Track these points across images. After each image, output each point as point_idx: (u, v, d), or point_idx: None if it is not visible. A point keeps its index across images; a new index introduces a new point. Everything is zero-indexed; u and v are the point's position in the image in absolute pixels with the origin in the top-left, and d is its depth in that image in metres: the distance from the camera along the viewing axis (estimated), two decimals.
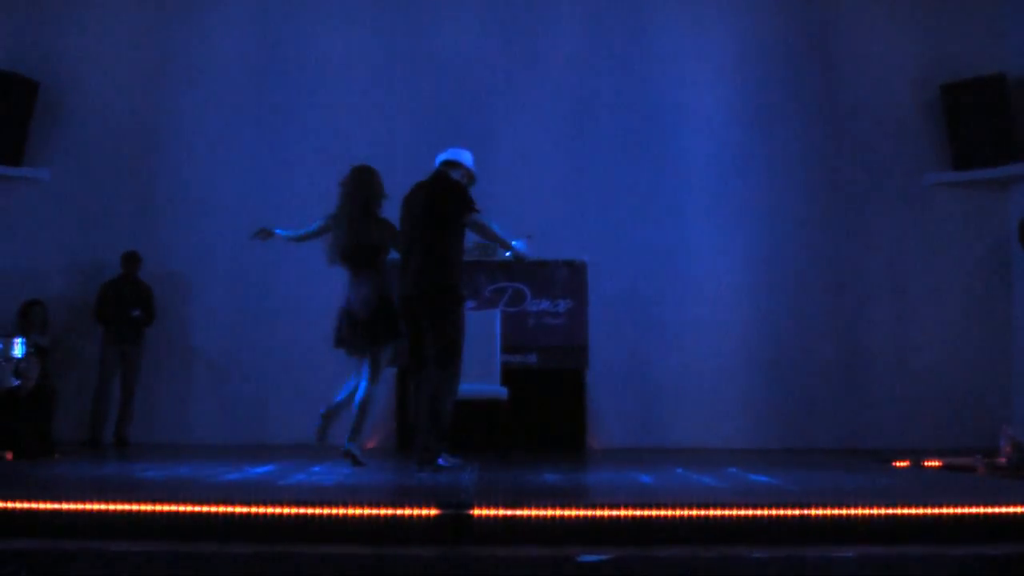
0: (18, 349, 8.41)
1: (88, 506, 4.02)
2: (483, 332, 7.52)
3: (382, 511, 3.97)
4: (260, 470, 6.02)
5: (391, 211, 6.47)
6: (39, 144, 9.61)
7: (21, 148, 9.47)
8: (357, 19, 9.96)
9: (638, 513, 3.98)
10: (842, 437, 9.35)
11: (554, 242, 9.25)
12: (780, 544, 3.89)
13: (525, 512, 3.97)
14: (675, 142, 9.85)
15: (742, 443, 9.15)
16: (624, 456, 7.93)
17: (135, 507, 4.02)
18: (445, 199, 6.11)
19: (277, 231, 6.64)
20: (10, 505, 4.04)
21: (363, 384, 6.26)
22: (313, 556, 3.72)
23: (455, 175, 6.25)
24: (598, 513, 3.98)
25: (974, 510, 4.11)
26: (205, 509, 3.99)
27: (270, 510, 3.97)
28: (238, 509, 3.98)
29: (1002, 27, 9.85)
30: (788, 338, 9.62)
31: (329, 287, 8.76)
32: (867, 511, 4.05)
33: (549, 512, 3.97)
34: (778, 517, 4.03)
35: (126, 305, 9.01)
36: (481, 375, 7.33)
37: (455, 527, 3.93)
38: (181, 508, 4.00)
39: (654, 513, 3.99)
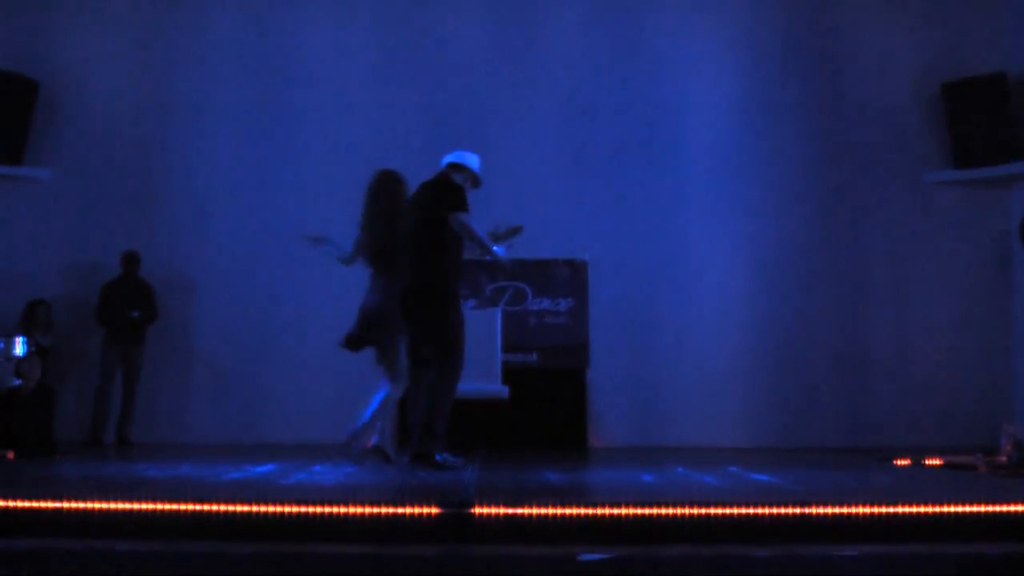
0: (19, 348, 8.42)
1: (90, 505, 4.02)
2: (484, 331, 7.53)
3: (383, 510, 3.97)
4: (261, 469, 6.02)
5: None
6: (39, 144, 9.61)
7: (21, 148, 9.47)
8: (358, 19, 9.96)
9: (639, 512, 3.98)
10: (843, 435, 9.35)
11: (555, 241, 9.27)
12: (781, 543, 3.89)
13: (526, 511, 3.96)
14: (675, 141, 9.85)
15: (743, 442, 9.15)
16: (625, 455, 7.93)
17: (136, 506, 4.02)
18: (437, 198, 6.13)
19: (328, 246, 6.59)
20: (12, 504, 4.04)
21: (384, 386, 6.29)
22: (314, 555, 3.72)
23: (458, 178, 6.25)
24: (599, 512, 3.98)
25: (975, 509, 4.11)
26: (206, 508, 3.99)
27: (271, 509, 3.97)
28: (239, 508, 3.99)
29: (1003, 26, 9.85)
30: (788, 336, 9.62)
31: (330, 288, 8.79)
32: (868, 510, 4.05)
33: (550, 511, 3.97)
34: (779, 516, 4.03)
35: (127, 305, 9.01)
36: (482, 374, 7.33)
37: (456, 526, 3.94)
38: (182, 507, 4.00)
39: (655, 512, 3.99)
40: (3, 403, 7.48)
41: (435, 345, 6.05)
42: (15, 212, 9.58)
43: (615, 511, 3.98)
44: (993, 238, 9.80)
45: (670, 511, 3.99)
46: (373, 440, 6.36)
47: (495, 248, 6.20)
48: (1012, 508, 4.13)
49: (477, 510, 3.97)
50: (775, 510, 4.04)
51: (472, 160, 6.32)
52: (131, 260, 9.18)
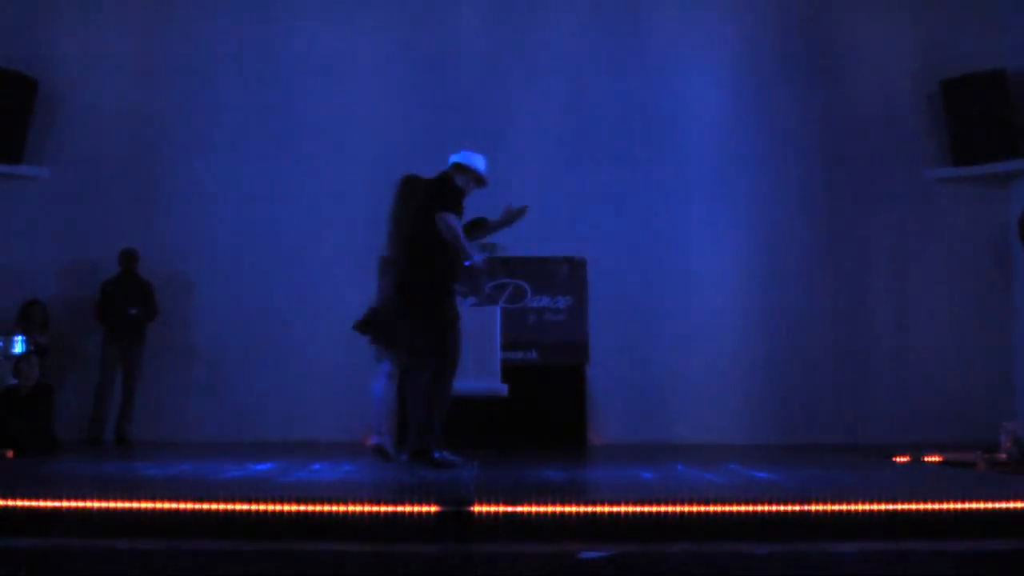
0: (18, 347, 8.42)
1: (89, 504, 4.02)
2: (483, 329, 7.51)
3: (383, 508, 3.97)
4: (261, 467, 6.02)
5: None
6: (38, 142, 9.60)
7: (20, 146, 9.46)
8: (358, 18, 9.94)
9: (639, 510, 3.98)
10: (842, 433, 9.35)
11: (554, 239, 9.27)
12: (781, 540, 3.89)
13: (526, 509, 3.97)
14: (675, 138, 9.84)
15: (742, 439, 9.15)
16: (625, 452, 7.93)
17: (136, 505, 4.02)
18: (429, 197, 6.14)
19: None
20: (11, 503, 4.04)
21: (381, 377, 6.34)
22: (314, 553, 3.72)
23: (460, 178, 6.24)
24: (599, 510, 3.98)
25: (974, 505, 4.11)
26: (206, 507, 4.00)
27: (271, 508, 3.97)
28: (239, 507, 3.99)
29: (1002, 22, 9.84)
30: (788, 334, 9.62)
31: (329, 286, 8.79)
32: (868, 507, 4.05)
33: (550, 509, 3.97)
34: (779, 513, 4.03)
35: (126, 303, 9.01)
36: (482, 372, 7.32)
37: (456, 524, 3.94)
38: (182, 506, 4.00)
39: (655, 510, 3.99)
40: (2, 402, 7.48)
41: (424, 342, 6.06)
42: (14, 210, 9.57)
43: (615, 509, 3.98)
44: (993, 234, 9.79)
45: (670, 509, 3.99)
46: (373, 440, 6.37)
47: (476, 257, 6.15)
48: (1012, 505, 4.13)
49: (477, 508, 3.97)
50: (775, 507, 4.04)
51: (476, 161, 6.31)
52: (129, 258, 9.17)
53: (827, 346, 9.66)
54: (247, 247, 9.59)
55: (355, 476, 5.77)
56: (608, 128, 9.82)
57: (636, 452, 7.86)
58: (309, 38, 9.87)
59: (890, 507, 4.07)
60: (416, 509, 3.95)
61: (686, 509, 4.00)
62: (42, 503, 4.04)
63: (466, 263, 6.06)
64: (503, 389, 7.46)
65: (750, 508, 4.03)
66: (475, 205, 6.39)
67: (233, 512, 3.98)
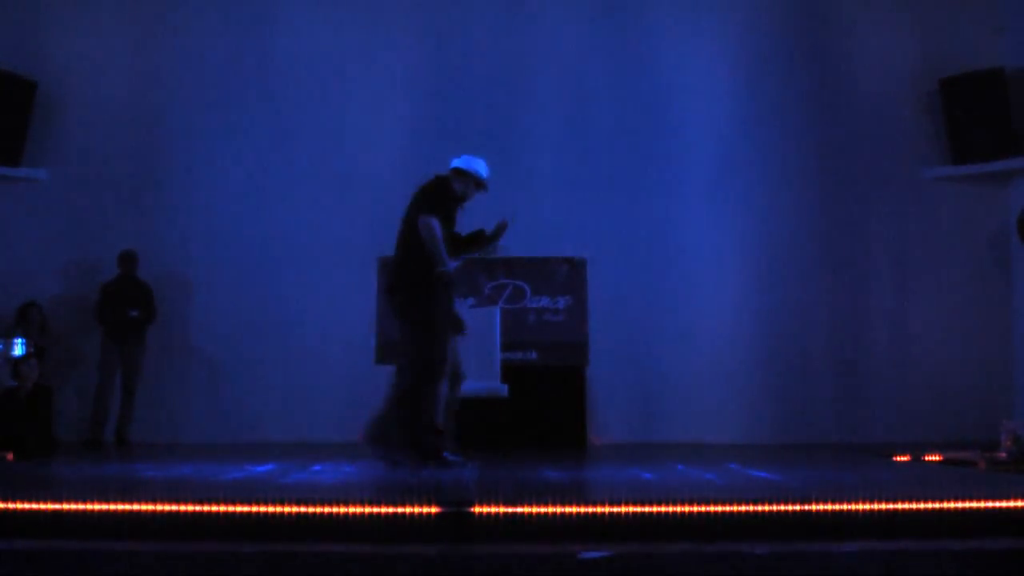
0: (18, 349, 8.42)
1: (89, 506, 4.02)
2: (483, 329, 7.52)
3: (383, 509, 3.97)
4: (261, 469, 6.02)
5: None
6: (37, 144, 9.61)
7: (19, 148, 9.47)
8: (356, 19, 9.94)
9: (639, 510, 3.98)
10: (842, 432, 9.36)
11: (554, 239, 9.27)
12: (781, 540, 3.89)
13: (526, 509, 3.96)
14: (675, 139, 9.85)
15: (742, 439, 9.16)
16: (624, 452, 7.94)
17: (136, 507, 4.01)
18: (416, 199, 6.18)
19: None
20: (11, 505, 4.04)
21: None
22: (314, 555, 3.72)
23: (458, 183, 6.24)
24: (599, 510, 3.98)
25: (975, 504, 4.11)
26: (206, 508, 3.99)
27: (271, 509, 3.96)
28: (239, 508, 3.98)
29: (1000, 21, 9.85)
30: (788, 333, 9.62)
31: (328, 287, 8.78)
32: (868, 506, 4.05)
33: (550, 509, 3.96)
34: (779, 512, 4.03)
35: (126, 305, 9.01)
36: (481, 372, 7.32)
37: (456, 525, 3.93)
38: (182, 508, 4.00)
39: (655, 509, 3.99)
40: (2, 404, 7.48)
41: (409, 342, 6.09)
42: (13, 213, 9.58)
43: (615, 509, 3.97)
44: (992, 233, 9.80)
45: (670, 509, 3.99)
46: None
47: (451, 265, 6.14)
48: (1012, 504, 4.13)
49: (477, 509, 3.97)
50: (775, 507, 4.04)
51: (477, 165, 6.30)
52: (128, 259, 9.18)
53: (827, 345, 9.66)
54: (247, 249, 9.59)
55: (355, 477, 5.77)
56: (608, 127, 9.83)
57: (636, 452, 7.86)
58: (309, 39, 9.88)
59: (890, 506, 4.07)
60: (416, 510, 3.95)
61: (686, 509, 3.99)
62: (42, 505, 4.04)
63: (438, 269, 6.00)
64: (503, 389, 7.47)
65: (750, 508, 4.02)
66: (478, 205, 6.40)
67: (233, 514, 3.98)
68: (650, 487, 5.17)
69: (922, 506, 4.09)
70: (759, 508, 4.03)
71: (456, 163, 6.31)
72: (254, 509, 3.97)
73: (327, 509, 3.96)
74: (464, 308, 6.80)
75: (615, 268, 9.45)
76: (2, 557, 3.68)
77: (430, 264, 6.02)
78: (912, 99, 9.93)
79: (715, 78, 9.95)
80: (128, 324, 9.00)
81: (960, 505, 4.10)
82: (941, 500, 4.11)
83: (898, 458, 7.28)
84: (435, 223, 5.98)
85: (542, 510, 3.96)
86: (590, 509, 3.99)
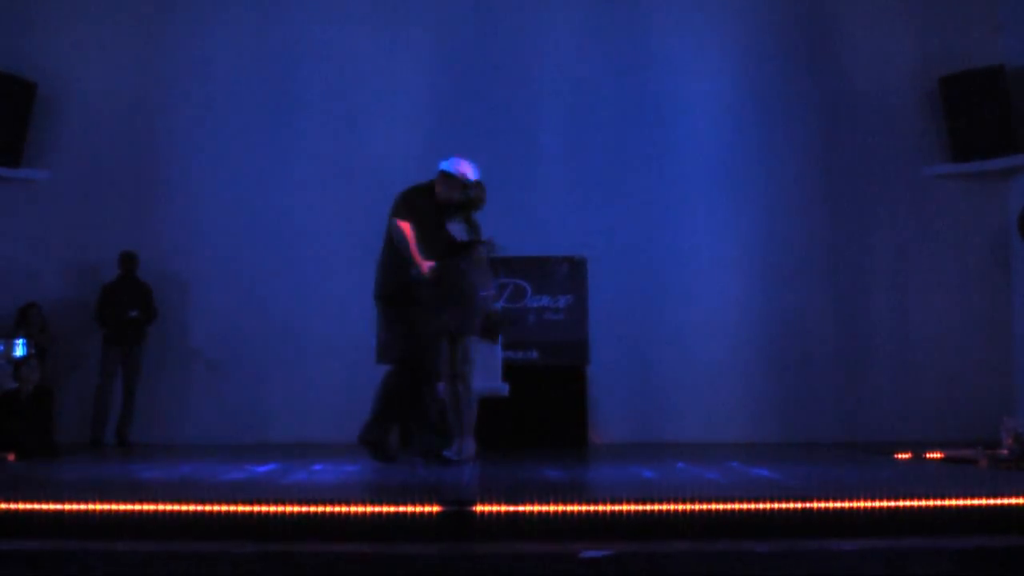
0: (19, 350, 8.43)
1: (90, 506, 4.02)
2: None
3: (384, 509, 3.97)
4: (262, 469, 6.02)
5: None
6: (37, 145, 9.60)
7: (19, 149, 9.46)
8: (358, 14, 9.93)
9: (640, 508, 3.98)
10: (843, 430, 9.36)
11: (554, 238, 9.27)
12: (782, 538, 3.89)
13: (527, 508, 3.96)
14: (675, 137, 9.84)
15: (743, 437, 9.16)
16: (625, 451, 7.94)
17: (137, 507, 4.01)
18: (394, 202, 6.30)
19: None
20: (12, 506, 4.04)
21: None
22: (316, 555, 3.72)
23: (443, 185, 6.29)
24: (600, 509, 3.98)
25: (976, 502, 4.11)
26: (207, 508, 3.99)
27: (272, 509, 3.96)
28: (240, 508, 3.98)
29: (1000, 19, 9.84)
30: (788, 331, 9.62)
31: (329, 287, 8.78)
32: (869, 504, 4.05)
33: (551, 508, 3.96)
34: (780, 510, 4.03)
35: (126, 306, 9.01)
36: (482, 371, 7.31)
37: (457, 524, 3.94)
38: (183, 508, 4.00)
39: (656, 508, 3.99)
40: (2, 405, 7.48)
41: (391, 343, 6.24)
42: (13, 214, 9.57)
43: (616, 508, 3.97)
44: (992, 231, 9.79)
45: (671, 507, 3.99)
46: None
47: (425, 267, 6.18)
48: (1013, 501, 4.13)
49: (478, 508, 3.97)
50: (776, 505, 4.04)
51: (463, 167, 6.32)
52: (129, 260, 9.18)
53: (827, 343, 9.65)
54: (247, 249, 9.59)
55: (356, 477, 5.77)
56: (609, 126, 9.82)
57: (637, 451, 7.86)
58: (308, 36, 9.87)
59: (891, 504, 4.07)
60: (417, 509, 3.95)
61: (687, 507, 3.99)
62: (43, 506, 4.04)
63: (413, 272, 6.14)
64: (504, 389, 7.47)
65: (751, 506, 4.02)
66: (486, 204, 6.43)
67: (234, 514, 3.98)
68: (651, 486, 5.17)
69: (923, 504, 4.09)
70: (760, 506, 4.03)
71: (442, 165, 6.35)
72: (255, 509, 3.97)
73: (328, 509, 3.96)
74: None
75: (616, 267, 9.45)
76: (3, 557, 3.68)
77: (407, 267, 6.10)
78: (912, 97, 9.92)
79: (716, 77, 9.94)
80: (128, 324, 9.00)
81: (961, 503, 4.10)
82: (942, 498, 4.11)
83: (899, 456, 7.28)
84: (405, 226, 6.13)
85: (543, 509, 3.96)
86: (591, 508, 3.99)
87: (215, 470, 5.96)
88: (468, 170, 6.30)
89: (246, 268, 9.53)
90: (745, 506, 4.02)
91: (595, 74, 9.92)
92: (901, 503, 4.08)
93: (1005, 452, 7.04)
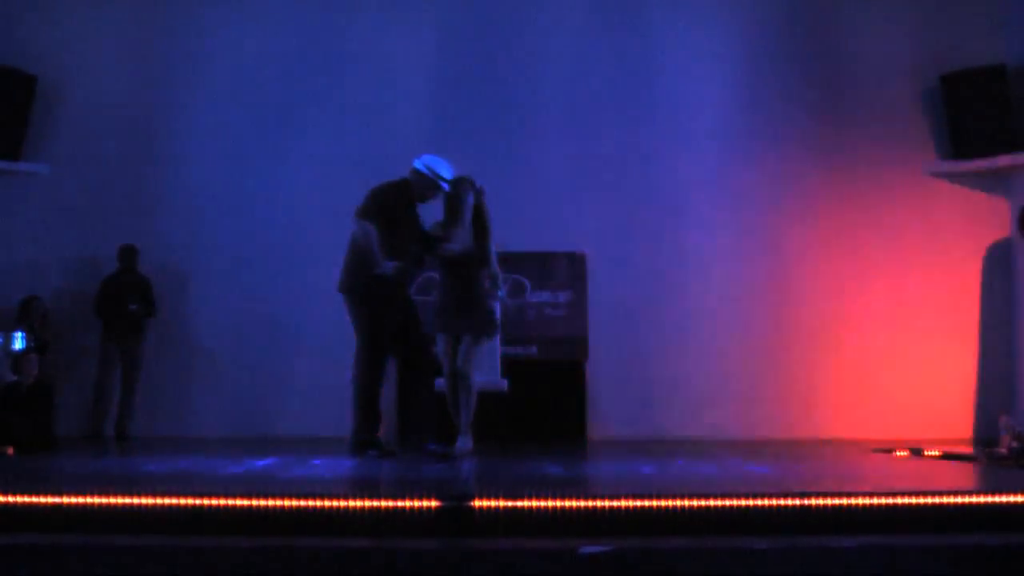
0: (18, 343, 8.42)
1: (89, 500, 4.03)
2: None
3: (383, 503, 3.98)
4: (261, 463, 6.02)
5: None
6: (38, 139, 9.58)
7: (20, 143, 9.45)
8: (358, 14, 9.91)
9: (639, 504, 3.99)
10: (842, 427, 9.35)
11: (554, 234, 9.27)
12: (781, 534, 3.90)
13: (526, 503, 3.97)
14: (674, 134, 9.82)
15: (742, 433, 9.15)
16: (624, 447, 7.94)
17: (136, 501, 4.02)
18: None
19: None
20: (11, 499, 4.04)
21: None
22: (315, 549, 3.72)
23: (417, 184, 6.39)
24: (599, 504, 3.99)
25: (974, 500, 4.12)
26: (206, 502, 4.00)
27: (271, 503, 3.97)
28: (239, 502, 3.99)
29: (1002, 17, 9.83)
30: (787, 328, 9.61)
31: (328, 281, 8.75)
32: (867, 501, 4.06)
33: (550, 503, 3.97)
34: (778, 507, 4.04)
35: (125, 299, 9.01)
36: (482, 367, 7.33)
37: (456, 519, 3.94)
38: (182, 501, 4.01)
39: (655, 504, 3.99)
40: (2, 399, 7.48)
41: (360, 337, 6.36)
42: (14, 207, 9.55)
43: (615, 503, 3.98)
44: (993, 229, 9.79)
45: (670, 503, 4.00)
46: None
47: (388, 266, 6.21)
48: (1012, 499, 4.14)
49: (477, 503, 3.98)
50: (775, 501, 4.05)
51: (436, 165, 6.36)
52: (128, 254, 9.17)
53: (827, 340, 9.65)
54: (247, 242, 9.58)
55: (355, 471, 5.78)
56: (609, 122, 9.80)
57: (636, 447, 7.87)
58: (308, 35, 9.85)
59: (890, 501, 4.07)
60: (416, 504, 3.95)
61: (686, 503, 4.00)
62: (42, 499, 4.05)
63: (376, 271, 6.22)
64: (503, 384, 7.48)
65: (750, 502, 4.03)
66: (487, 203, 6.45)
67: (233, 508, 3.99)
68: (650, 481, 5.17)
69: (922, 501, 4.09)
70: (759, 503, 4.03)
71: (415, 163, 6.38)
72: (254, 503, 3.98)
73: (327, 503, 3.97)
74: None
75: (615, 263, 9.44)
76: (3, 551, 3.68)
77: (368, 266, 6.18)
78: (913, 95, 9.90)
79: (716, 75, 9.92)
80: (128, 318, 9.00)
81: (960, 500, 4.10)
82: (941, 495, 4.11)
83: (898, 453, 7.29)
84: (368, 227, 6.20)
85: (542, 504, 3.97)
86: (590, 503, 4.00)
87: (214, 464, 5.97)
88: (441, 168, 6.35)
89: (246, 262, 9.52)
90: (744, 502, 4.03)
91: (597, 71, 9.89)
92: (900, 500, 4.09)
93: (1004, 450, 7.05)
